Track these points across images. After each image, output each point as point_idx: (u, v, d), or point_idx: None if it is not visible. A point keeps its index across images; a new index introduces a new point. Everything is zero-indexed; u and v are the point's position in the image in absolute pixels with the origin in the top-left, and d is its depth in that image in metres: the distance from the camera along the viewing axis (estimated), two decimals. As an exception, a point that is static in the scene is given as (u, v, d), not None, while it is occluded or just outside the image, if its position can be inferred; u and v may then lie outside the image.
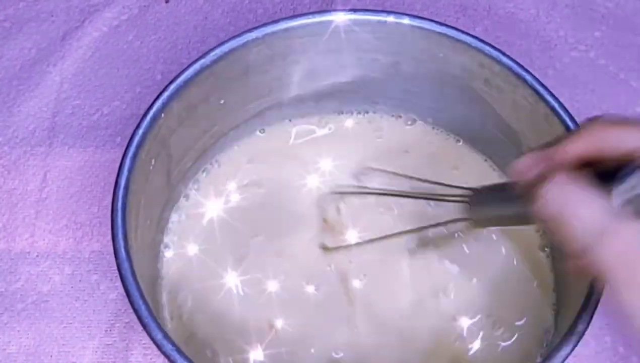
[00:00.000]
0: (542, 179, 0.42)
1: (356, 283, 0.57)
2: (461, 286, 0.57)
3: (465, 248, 0.59)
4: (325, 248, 0.58)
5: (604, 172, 0.40)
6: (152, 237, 0.57)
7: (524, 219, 0.47)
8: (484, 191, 0.53)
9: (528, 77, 0.54)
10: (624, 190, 0.39)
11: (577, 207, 0.39)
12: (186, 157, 0.59)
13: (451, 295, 0.57)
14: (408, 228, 0.57)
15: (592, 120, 0.43)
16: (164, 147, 0.55)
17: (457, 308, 0.57)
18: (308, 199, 0.60)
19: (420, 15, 0.56)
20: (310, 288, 0.57)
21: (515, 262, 0.58)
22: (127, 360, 0.58)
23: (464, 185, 0.54)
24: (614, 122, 0.42)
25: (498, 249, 0.59)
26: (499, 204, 0.50)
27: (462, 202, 0.54)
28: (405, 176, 0.59)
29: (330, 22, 0.56)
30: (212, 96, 0.57)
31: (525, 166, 0.44)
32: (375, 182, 0.60)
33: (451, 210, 0.56)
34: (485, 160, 0.62)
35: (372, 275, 0.58)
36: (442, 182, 0.57)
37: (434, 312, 0.57)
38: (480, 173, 0.62)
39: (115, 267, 0.48)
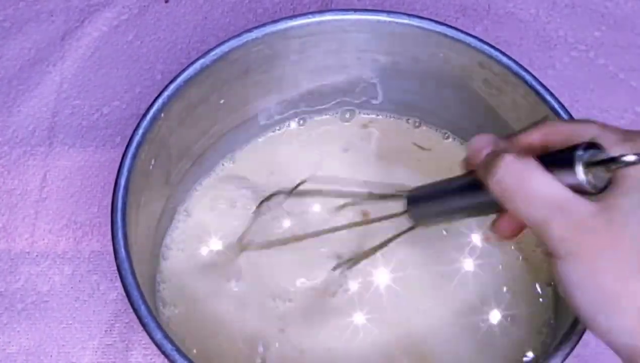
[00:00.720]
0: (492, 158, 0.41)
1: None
2: (460, 285, 0.57)
3: (470, 245, 0.59)
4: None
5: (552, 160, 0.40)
6: (152, 237, 0.57)
7: (475, 208, 0.47)
8: (423, 188, 0.51)
9: (528, 77, 0.54)
10: (579, 169, 0.39)
11: (531, 181, 0.39)
12: (186, 157, 0.59)
13: (451, 295, 0.57)
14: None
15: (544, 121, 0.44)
16: (163, 147, 0.55)
17: (454, 309, 0.57)
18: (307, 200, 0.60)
19: (420, 15, 0.56)
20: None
21: (514, 263, 0.58)
22: (127, 360, 0.58)
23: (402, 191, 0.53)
24: (568, 120, 0.44)
25: (499, 248, 0.59)
26: (445, 197, 0.49)
27: (400, 198, 0.52)
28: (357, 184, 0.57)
29: (329, 21, 0.56)
30: (212, 96, 0.57)
31: (480, 143, 0.44)
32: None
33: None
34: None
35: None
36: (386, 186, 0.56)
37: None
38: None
39: (115, 267, 0.48)
